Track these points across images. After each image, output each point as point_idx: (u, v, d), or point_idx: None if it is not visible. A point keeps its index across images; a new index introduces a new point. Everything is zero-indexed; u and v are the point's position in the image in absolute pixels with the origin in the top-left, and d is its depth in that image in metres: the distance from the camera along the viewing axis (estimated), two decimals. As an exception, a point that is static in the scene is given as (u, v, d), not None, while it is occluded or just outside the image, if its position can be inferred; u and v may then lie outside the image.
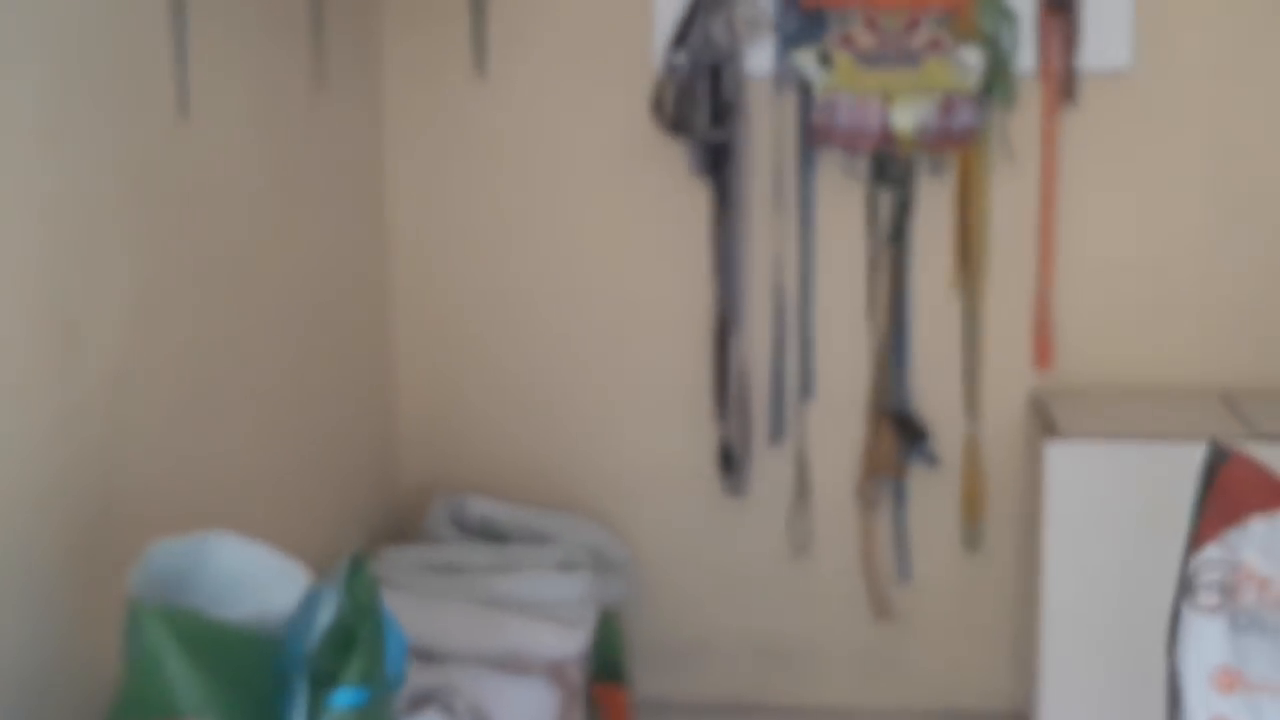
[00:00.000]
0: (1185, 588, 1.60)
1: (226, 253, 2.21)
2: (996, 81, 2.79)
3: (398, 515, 3.00)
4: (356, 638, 1.51)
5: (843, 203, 2.91)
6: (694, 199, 2.89)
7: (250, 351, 2.31)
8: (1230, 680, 1.55)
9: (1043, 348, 2.91)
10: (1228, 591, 1.55)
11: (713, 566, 2.99)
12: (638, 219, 2.97)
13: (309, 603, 1.52)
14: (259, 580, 1.56)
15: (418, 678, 2.02)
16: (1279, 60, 2.81)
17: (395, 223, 2.99)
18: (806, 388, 2.96)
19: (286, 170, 2.47)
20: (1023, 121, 2.83)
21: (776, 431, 2.95)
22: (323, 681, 1.48)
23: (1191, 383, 2.87)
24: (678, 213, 2.91)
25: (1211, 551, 1.58)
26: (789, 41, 2.80)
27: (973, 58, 2.76)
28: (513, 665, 2.36)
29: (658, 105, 2.82)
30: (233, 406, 2.23)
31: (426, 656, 2.26)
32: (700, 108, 2.81)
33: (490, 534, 2.81)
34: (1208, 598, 1.57)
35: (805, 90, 2.82)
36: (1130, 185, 2.88)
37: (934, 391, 2.94)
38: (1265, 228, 2.86)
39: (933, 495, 2.92)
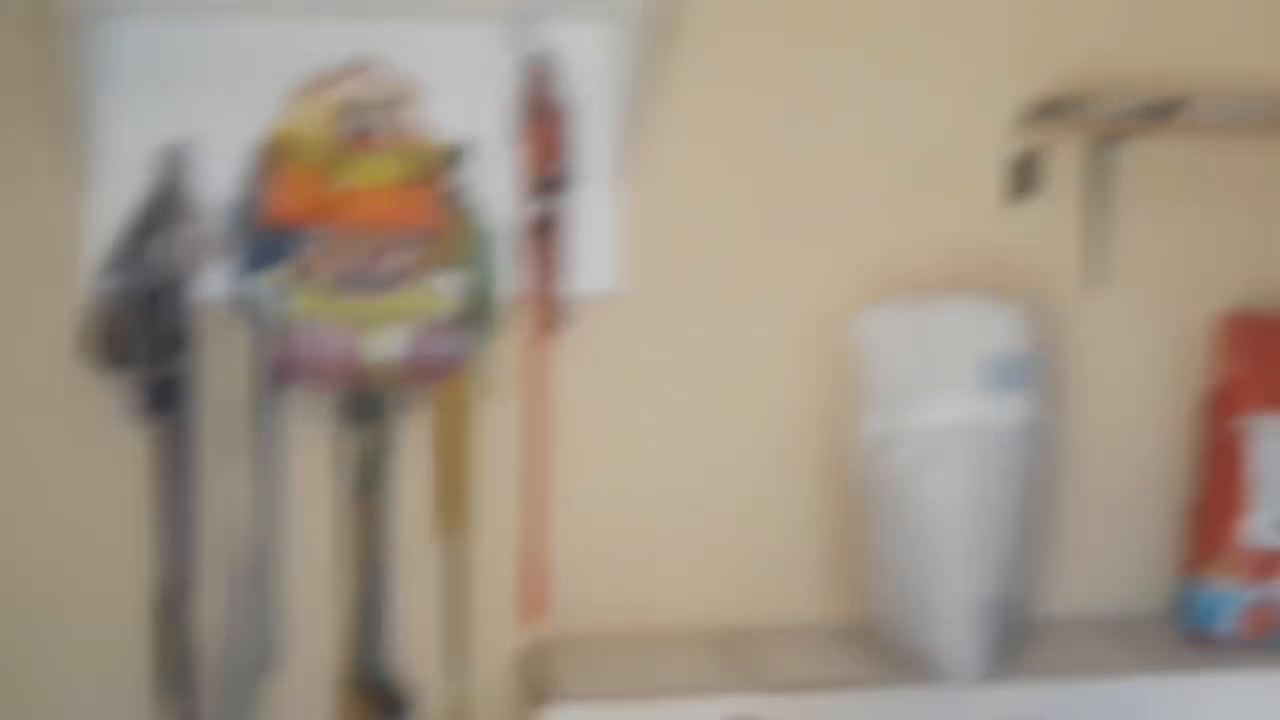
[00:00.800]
0: None
1: None
2: (479, 308, 2.63)
3: None
4: None
5: (310, 444, 2.62)
6: (134, 444, 2.52)
7: None
8: None
9: (536, 596, 2.72)
10: None
11: None
12: (60, 473, 2.57)
13: None
14: None
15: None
16: (766, 283, 2.86)
17: None
18: (267, 659, 2.61)
19: None
20: (510, 350, 2.70)
21: (233, 713, 2.58)
22: None
23: (694, 624, 2.82)
24: (113, 462, 2.55)
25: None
26: (247, 264, 2.51)
27: (451, 283, 2.59)
28: None
29: (87, 339, 2.44)
30: None
31: None
32: (141, 340, 2.46)
33: None
34: None
35: (266, 319, 2.51)
36: (626, 416, 2.82)
37: (417, 653, 2.68)
38: (761, 457, 2.88)
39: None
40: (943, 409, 2.69)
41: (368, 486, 2.65)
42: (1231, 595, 2.80)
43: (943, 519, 2.66)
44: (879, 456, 2.72)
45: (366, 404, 2.63)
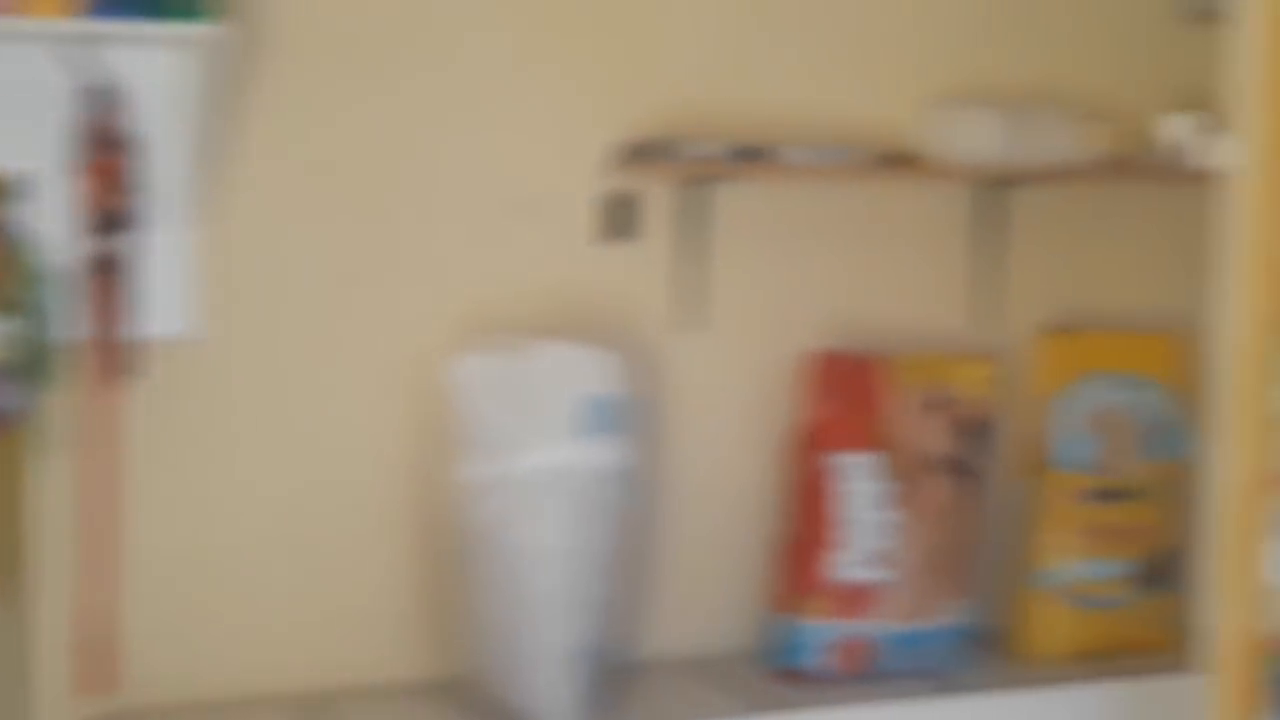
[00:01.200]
0: None
1: None
2: (33, 356, 2.48)
3: None
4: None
5: None
6: None
7: None
8: None
9: (101, 666, 2.57)
10: None
11: None
12: None
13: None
14: None
15: None
16: (355, 326, 2.83)
17: None
18: None
19: None
20: (72, 401, 2.56)
21: None
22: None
23: (277, 689, 2.74)
24: None
25: None
26: None
27: (4, 327, 2.44)
28: None
29: None
30: None
31: None
32: None
33: None
34: None
35: None
36: (204, 469, 2.74)
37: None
38: (349, 509, 2.84)
39: None
40: (537, 454, 2.71)
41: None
42: (822, 631, 2.90)
43: (537, 566, 2.67)
44: (473, 505, 2.72)
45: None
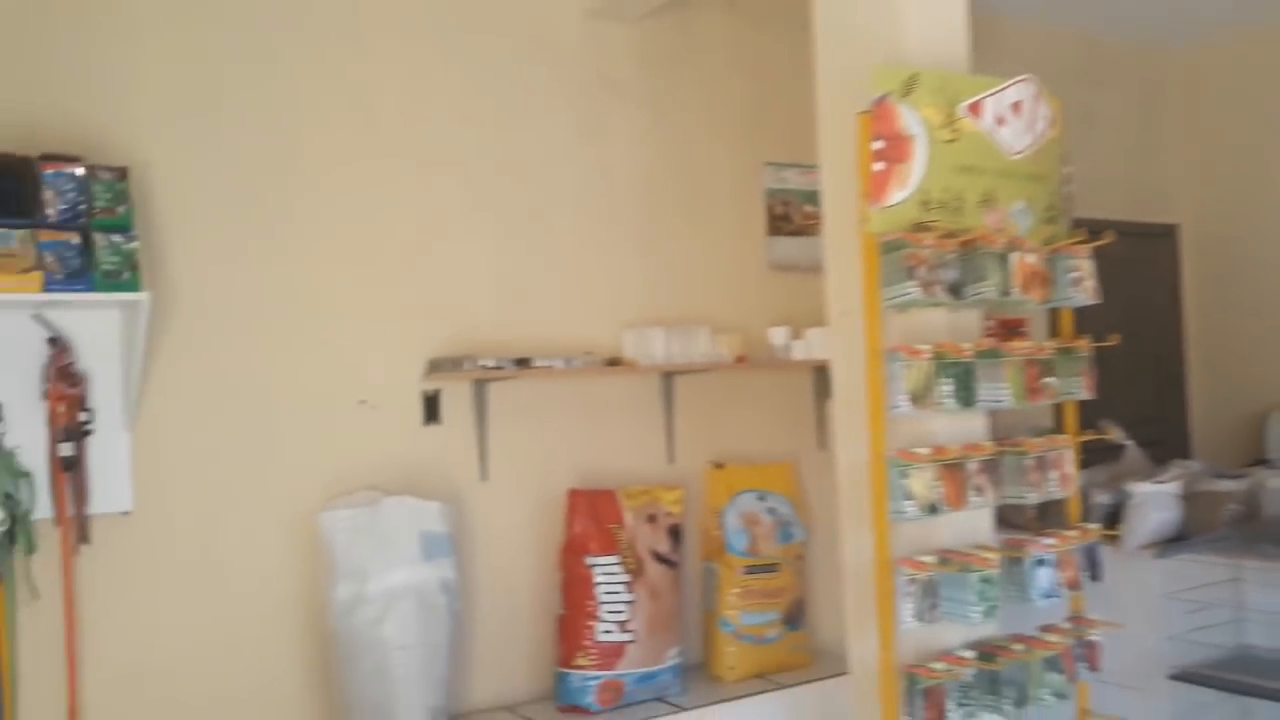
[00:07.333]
0: None
1: None
2: (18, 531, 2.53)
3: None
4: None
5: None
6: None
7: None
8: None
9: None
10: None
11: None
12: None
13: None
14: None
15: None
16: (251, 494, 2.88)
17: None
18: None
19: None
20: (45, 561, 2.60)
21: None
22: None
23: None
24: None
25: None
26: None
27: None
28: None
29: None
30: None
31: None
32: None
33: None
34: None
35: None
36: (141, 604, 2.76)
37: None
38: (256, 625, 2.90)
39: None
40: (391, 575, 2.86)
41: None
42: (589, 677, 3.10)
43: (401, 653, 2.82)
44: (348, 615, 2.84)
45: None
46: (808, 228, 3.86)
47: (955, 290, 2.28)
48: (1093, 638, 2.50)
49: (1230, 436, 4.93)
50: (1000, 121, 2.40)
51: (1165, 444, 4.51)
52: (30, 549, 2.56)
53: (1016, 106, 2.43)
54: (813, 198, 3.86)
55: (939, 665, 2.27)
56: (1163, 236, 5.14)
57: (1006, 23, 4.43)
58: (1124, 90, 4.98)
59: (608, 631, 3.12)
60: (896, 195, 2.27)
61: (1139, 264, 4.86)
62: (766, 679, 3.39)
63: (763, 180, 3.83)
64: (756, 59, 3.82)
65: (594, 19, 3.49)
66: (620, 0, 3.43)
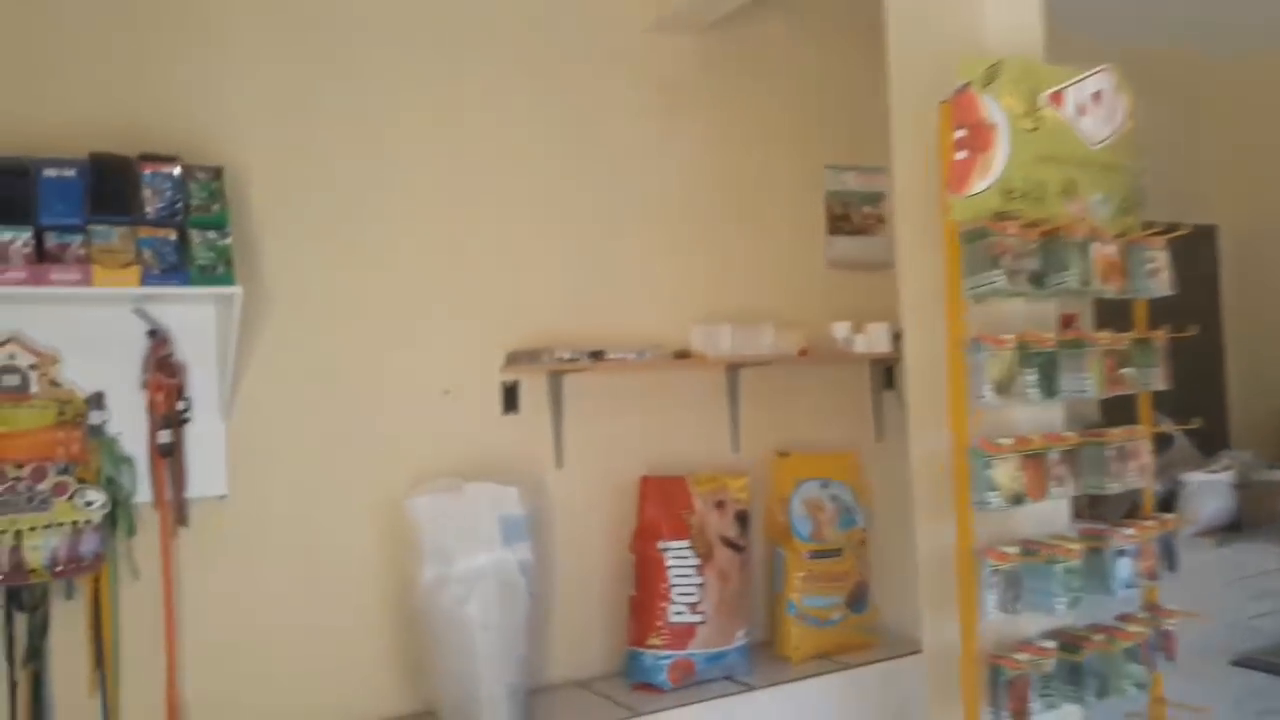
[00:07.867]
0: None
1: None
2: (119, 514, 2.60)
3: None
4: None
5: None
6: None
7: None
8: None
9: None
10: None
11: None
12: None
13: None
14: None
15: None
16: (342, 480, 2.93)
17: None
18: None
19: None
20: (146, 543, 2.66)
21: None
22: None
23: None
24: None
25: None
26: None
27: (96, 496, 2.56)
28: None
29: None
30: None
31: None
32: None
33: None
34: None
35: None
36: (237, 585, 2.80)
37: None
38: (349, 602, 2.92)
39: None
40: (476, 557, 2.87)
41: (31, 659, 2.53)
42: (661, 656, 3.11)
43: (484, 633, 2.83)
44: (434, 595, 2.85)
45: (28, 594, 2.53)
46: (867, 228, 3.87)
47: (1037, 280, 2.28)
48: (1168, 627, 2.47)
49: (1267, 429, 4.91)
50: (1082, 111, 2.39)
51: (1206, 436, 4.49)
52: (131, 531, 2.62)
53: (1097, 96, 2.42)
54: (871, 199, 3.89)
55: (1022, 656, 2.23)
56: (1203, 237, 5.13)
57: (1053, 35, 4.42)
58: (1166, 98, 4.97)
59: (679, 613, 3.13)
60: (979, 184, 2.25)
61: (1179, 263, 4.79)
62: (831, 659, 3.40)
63: (823, 182, 3.84)
64: (815, 66, 3.84)
65: (658, 32, 3.52)
66: (683, 14, 3.45)
